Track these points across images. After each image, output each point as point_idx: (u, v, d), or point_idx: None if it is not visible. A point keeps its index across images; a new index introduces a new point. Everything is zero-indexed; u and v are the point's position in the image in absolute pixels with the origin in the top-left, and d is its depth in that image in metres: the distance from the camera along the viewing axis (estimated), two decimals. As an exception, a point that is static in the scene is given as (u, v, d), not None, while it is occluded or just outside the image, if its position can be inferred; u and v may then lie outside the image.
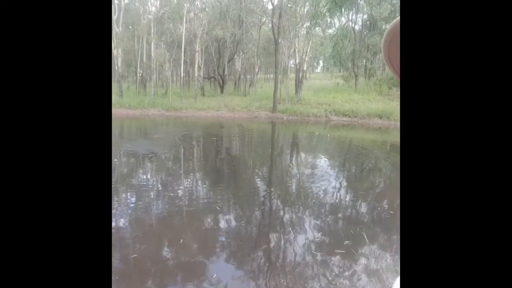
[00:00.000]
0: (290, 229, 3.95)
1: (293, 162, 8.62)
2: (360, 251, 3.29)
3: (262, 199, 5.10)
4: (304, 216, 4.43)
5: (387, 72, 25.51)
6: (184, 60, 21.96)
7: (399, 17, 0.34)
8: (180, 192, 5.36)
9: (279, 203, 4.96)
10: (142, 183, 5.97)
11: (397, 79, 0.42)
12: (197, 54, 21.61)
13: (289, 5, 19.07)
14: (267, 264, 3.06)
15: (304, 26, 20.14)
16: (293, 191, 5.77)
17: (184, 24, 20.17)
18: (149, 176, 6.53)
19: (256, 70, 27.93)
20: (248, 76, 27.79)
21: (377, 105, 17.83)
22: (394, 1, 23.09)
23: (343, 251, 3.30)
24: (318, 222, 4.23)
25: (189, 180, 6.28)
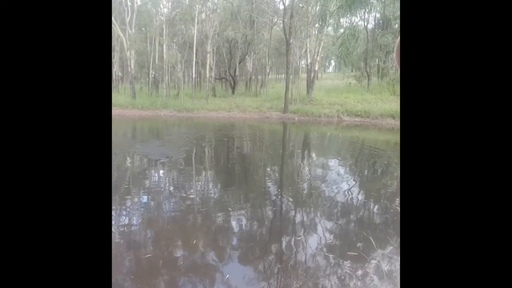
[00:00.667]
0: (302, 228, 3.91)
1: (305, 163, 8.56)
2: (371, 255, 3.22)
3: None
4: (316, 217, 4.38)
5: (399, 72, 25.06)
6: (195, 61, 22.13)
7: None
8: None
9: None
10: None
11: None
12: (208, 55, 21.73)
13: (300, 5, 18.96)
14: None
15: (316, 26, 20.00)
16: (305, 192, 5.72)
17: (195, 25, 20.33)
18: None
19: (268, 70, 27.89)
20: (259, 77, 27.80)
21: (390, 105, 17.53)
22: None
23: (355, 253, 3.24)
24: (329, 223, 4.17)
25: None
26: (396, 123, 15.83)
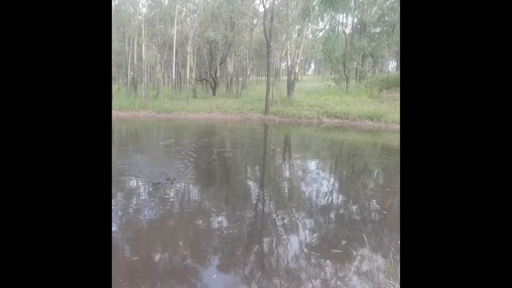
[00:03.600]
0: (282, 228, 3.94)
1: (286, 163, 8.63)
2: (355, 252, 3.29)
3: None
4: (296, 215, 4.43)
5: (377, 75, 25.88)
6: (175, 62, 21.84)
7: None
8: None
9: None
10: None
11: None
12: (188, 56, 21.53)
13: (280, 8, 19.17)
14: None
15: (296, 28, 20.27)
16: (286, 192, 5.76)
17: (175, 25, 20.08)
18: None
19: (248, 72, 27.97)
20: (240, 78, 27.81)
21: (368, 107, 18.03)
22: (384, 5, 23.46)
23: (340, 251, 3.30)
24: (311, 221, 4.22)
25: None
26: (374, 124, 16.29)
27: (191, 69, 23.41)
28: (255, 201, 5.03)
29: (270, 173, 7.36)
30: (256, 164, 8.12)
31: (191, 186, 5.56)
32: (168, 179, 5.61)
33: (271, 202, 4.98)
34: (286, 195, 5.49)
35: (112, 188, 5.51)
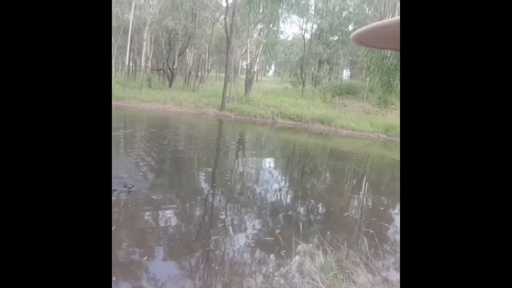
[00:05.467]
0: (231, 227, 3.95)
1: (238, 160, 8.67)
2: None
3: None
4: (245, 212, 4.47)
5: (332, 82, 27.08)
6: (131, 48, 20.76)
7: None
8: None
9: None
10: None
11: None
12: (144, 43, 20.60)
13: (243, 5, 19.18)
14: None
15: (258, 27, 20.44)
16: (237, 188, 5.79)
17: (132, 9, 19.09)
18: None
19: (208, 67, 27.58)
20: (199, 73, 27.30)
21: (321, 111, 18.79)
22: (342, 15, 24.63)
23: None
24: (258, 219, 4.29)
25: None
26: (324, 128, 17.02)
27: (147, 58, 22.43)
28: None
29: (223, 171, 7.31)
30: (212, 165, 8.00)
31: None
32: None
33: (221, 200, 4.96)
34: (238, 193, 5.51)
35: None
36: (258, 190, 5.68)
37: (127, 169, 5.76)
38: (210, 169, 6.87)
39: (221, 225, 3.96)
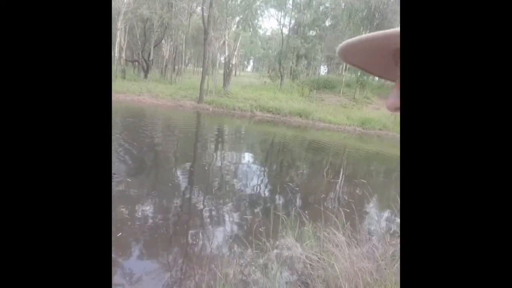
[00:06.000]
0: (210, 219, 3.87)
1: (217, 153, 8.55)
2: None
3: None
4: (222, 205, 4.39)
5: (310, 76, 27.41)
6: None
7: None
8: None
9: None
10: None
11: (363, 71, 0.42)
12: (118, 33, 19.86)
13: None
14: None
15: (236, 20, 20.25)
16: (216, 181, 5.69)
17: (105, -3, 18.29)
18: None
19: (186, 61, 27.06)
20: (176, 67, 26.73)
21: (299, 105, 18.96)
22: (319, 10, 24.91)
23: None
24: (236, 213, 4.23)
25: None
26: (302, 121, 17.20)
27: (121, 48, 21.66)
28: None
29: (202, 164, 7.17)
30: (189, 157, 7.82)
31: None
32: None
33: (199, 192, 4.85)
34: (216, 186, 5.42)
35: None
36: (237, 182, 5.61)
37: None
38: (188, 164, 6.69)
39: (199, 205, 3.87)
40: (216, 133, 11.67)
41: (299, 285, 2.31)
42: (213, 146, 8.97)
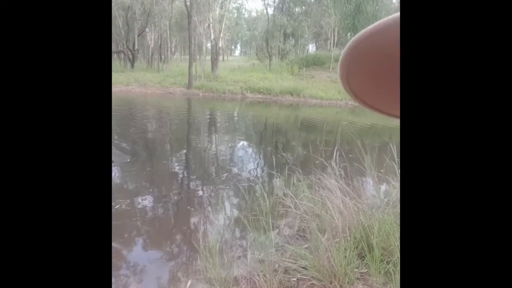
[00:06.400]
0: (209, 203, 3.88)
1: (211, 138, 8.52)
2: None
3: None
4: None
5: (298, 54, 27.12)
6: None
7: (364, 30, 0.28)
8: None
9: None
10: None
11: (360, 104, 0.34)
12: (100, 23, 19.28)
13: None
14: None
15: (219, 1, 19.78)
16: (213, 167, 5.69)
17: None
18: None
19: (172, 49, 26.55)
20: (163, 56, 26.21)
21: (289, 83, 18.84)
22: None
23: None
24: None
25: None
26: (294, 99, 17.13)
27: (104, 39, 21.03)
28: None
29: (197, 150, 7.13)
30: (184, 144, 7.75)
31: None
32: None
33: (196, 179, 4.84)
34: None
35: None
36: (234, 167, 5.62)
37: None
38: (183, 152, 6.65)
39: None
40: (208, 117, 11.60)
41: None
42: (206, 131, 8.93)
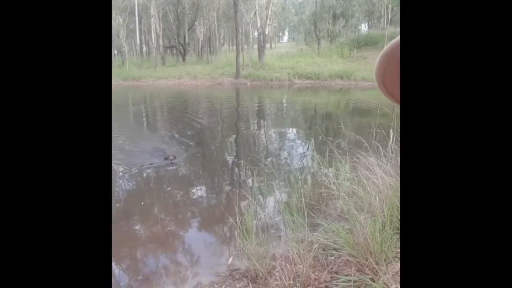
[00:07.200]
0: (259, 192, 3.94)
1: (261, 129, 8.60)
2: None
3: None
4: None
5: (349, 35, 25.78)
6: (141, 29, 20.70)
7: (396, 38, 0.32)
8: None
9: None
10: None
11: (390, 99, 0.38)
12: (153, 20, 20.41)
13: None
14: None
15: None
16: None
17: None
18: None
19: (221, 40, 27.11)
20: (211, 47, 26.90)
21: (339, 66, 18.06)
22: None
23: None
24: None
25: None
26: (344, 83, 16.40)
27: (157, 36, 22.31)
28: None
29: (248, 141, 7.21)
30: (234, 132, 7.86)
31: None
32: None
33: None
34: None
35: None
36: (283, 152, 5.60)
37: (161, 141, 5.74)
38: (232, 139, 6.79)
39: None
40: (257, 106, 11.68)
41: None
42: (253, 119, 9.02)
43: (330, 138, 5.61)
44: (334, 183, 2.50)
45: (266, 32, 21.42)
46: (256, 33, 21.75)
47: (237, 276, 2.04)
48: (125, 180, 4.11)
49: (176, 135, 6.51)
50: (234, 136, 6.54)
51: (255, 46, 21.74)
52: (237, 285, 1.90)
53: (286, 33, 60.18)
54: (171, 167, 4.29)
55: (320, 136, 5.97)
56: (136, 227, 2.95)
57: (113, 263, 2.37)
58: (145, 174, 4.22)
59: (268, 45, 23.09)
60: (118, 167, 4.37)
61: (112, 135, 6.07)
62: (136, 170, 4.31)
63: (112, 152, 4.94)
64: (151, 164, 4.32)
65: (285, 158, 4.96)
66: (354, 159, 2.92)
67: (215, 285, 1.98)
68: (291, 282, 1.63)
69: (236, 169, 4.66)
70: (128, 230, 2.88)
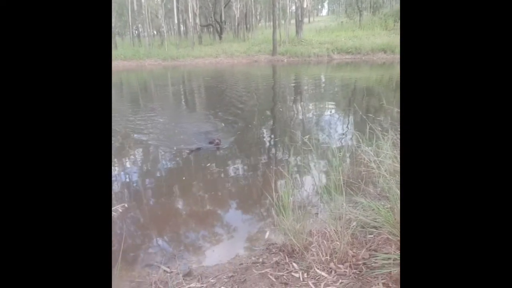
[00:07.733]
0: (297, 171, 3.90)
1: (298, 108, 8.44)
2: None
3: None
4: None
5: (393, 6, 23.90)
6: (178, 8, 20.84)
7: None
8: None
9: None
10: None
11: None
12: (190, -1, 20.42)
13: None
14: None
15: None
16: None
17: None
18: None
19: (257, 16, 26.51)
20: (248, 25, 26.46)
21: (382, 39, 16.95)
22: None
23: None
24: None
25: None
26: (387, 57, 15.41)
27: (194, 14, 22.36)
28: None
29: (286, 120, 7.11)
30: (270, 112, 7.76)
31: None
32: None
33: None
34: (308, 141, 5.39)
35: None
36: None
37: (203, 121, 5.74)
38: (272, 118, 6.71)
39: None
40: (293, 84, 11.42)
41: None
42: (290, 98, 8.86)
43: (371, 115, 5.36)
44: (374, 161, 2.40)
45: (304, 6, 20.54)
46: (293, 7, 20.94)
47: (273, 250, 2.08)
48: (171, 161, 4.25)
49: (219, 114, 6.58)
50: (274, 116, 6.49)
51: (293, 21, 21.00)
52: (274, 258, 1.94)
53: (326, 5, 57.28)
54: (217, 153, 4.20)
55: (360, 113, 5.73)
56: (179, 205, 3.09)
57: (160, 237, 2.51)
58: (191, 157, 4.23)
59: (306, 20, 22.17)
60: (164, 153, 4.47)
61: (155, 116, 6.28)
62: (183, 155, 4.29)
63: (155, 134, 5.18)
64: (199, 148, 4.19)
65: (325, 136, 4.85)
66: (397, 136, 2.77)
67: (253, 258, 2.04)
68: (328, 257, 1.63)
69: (277, 147, 4.64)
70: (170, 206, 3.03)
